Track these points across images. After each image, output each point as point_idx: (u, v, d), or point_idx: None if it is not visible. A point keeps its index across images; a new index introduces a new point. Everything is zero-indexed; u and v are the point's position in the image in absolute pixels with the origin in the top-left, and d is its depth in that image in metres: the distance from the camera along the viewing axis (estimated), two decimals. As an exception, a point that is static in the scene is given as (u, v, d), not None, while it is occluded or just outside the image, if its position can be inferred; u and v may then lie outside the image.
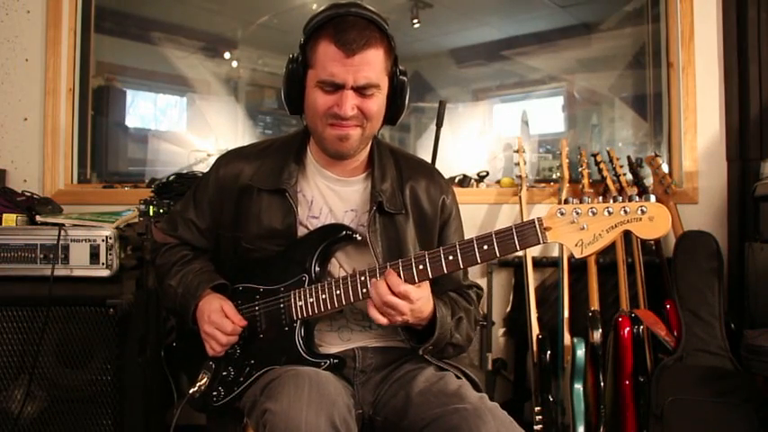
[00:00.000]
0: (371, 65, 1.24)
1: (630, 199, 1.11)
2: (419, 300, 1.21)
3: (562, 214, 1.13)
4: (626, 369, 2.12)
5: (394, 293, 1.18)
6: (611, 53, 2.99)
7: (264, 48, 3.22)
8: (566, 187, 2.40)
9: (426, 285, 1.24)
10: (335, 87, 1.24)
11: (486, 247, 1.18)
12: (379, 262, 1.30)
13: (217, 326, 1.30)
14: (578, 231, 1.12)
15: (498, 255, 1.18)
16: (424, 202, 1.40)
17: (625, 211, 1.10)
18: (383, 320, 1.21)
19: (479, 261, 1.20)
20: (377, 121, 1.32)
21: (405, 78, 1.33)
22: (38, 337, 1.75)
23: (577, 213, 1.12)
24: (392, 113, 1.35)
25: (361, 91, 1.25)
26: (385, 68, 1.28)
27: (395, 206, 1.35)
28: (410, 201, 1.38)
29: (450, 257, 1.20)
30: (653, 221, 1.08)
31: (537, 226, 1.14)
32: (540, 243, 1.15)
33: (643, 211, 1.09)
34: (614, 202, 1.12)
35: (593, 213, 1.12)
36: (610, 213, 1.11)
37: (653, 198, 1.11)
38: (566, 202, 1.14)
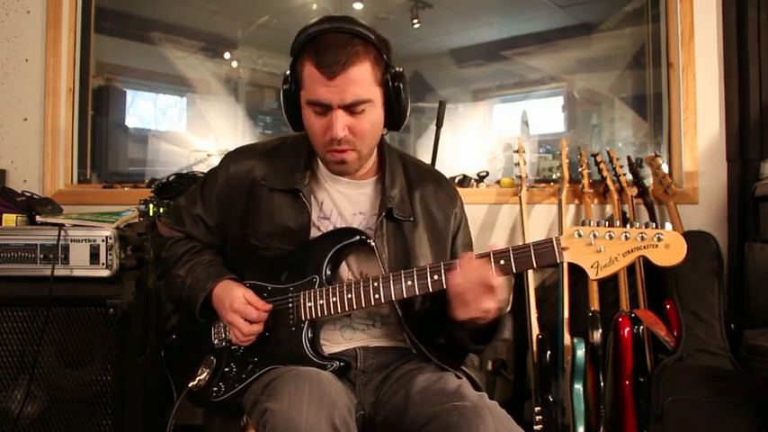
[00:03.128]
0: (356, 82, 1.22)
1: (647, 225, 1.14)
2: (502, 300, 1.21)
3: (579, 236, 1.16)
4: (626, 369, 2.12)
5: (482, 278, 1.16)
6: (611, 53, 2.99)
7: (264, 48, 3.22)
8: (566, 187, 2.39)
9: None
10: (324, 108, 1.24)
11: (502, 262, 1.19)
12: (383, 268, 1.30)
13: (241, 314, 1.30)
14: (595, 253, 1.15)
15: (514, 270, 1.19)
16: (435, 210, 1.40)
17: (642, 237, 1.13)
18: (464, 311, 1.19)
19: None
20: (371, 137, 1.30)
21: (400, 84, 1.29)
22: (38, 337, 1.75)
23: (595, 236, 1.15)
24: (393, 120, 1.34)
25: (350, 109, 1.24)
26: (374, 80, 1.26)
27: (404, 213, 1.35)
28: (419, 208, 1.38)
29: None
30: (669, 249, 1.12)
31: (555, 246, 1.16)
32: (557, 262, 1.16)
33: (659, 239, 1.12)
34: (632, 227, 1.14)
35: (611, 237, 1.15)
36: (627, 238, 1.14)
37: (668, 226, 1.14)
38: (583, 223, 1.17)
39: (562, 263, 1.16)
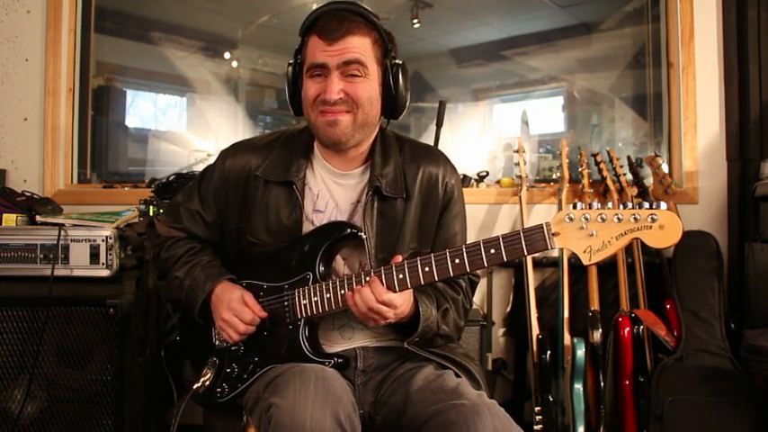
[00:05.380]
0: (354, 48, 1.26)
1: (640, 206, 1.09)
2: (402, 304, 1.24)
3: (571, 219, 1.12)
4: (626, 369, 2.12)
5: (378, 301, 1.20)
6: (611, 53, 2.99)
7: (264, 48, 3.22)
8: (566, 187, 2.40)
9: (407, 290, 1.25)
10: (321, 70, 1.27)
11: (493, 250, 1.17)
12: (371, 258, 1.31)
13: (236, 313, 1.31)
14: (587, 238, 1.11)
15: (505, 259, 1.17)
16: (427, 184, 1.38)
17: (635, 219, 1.08)
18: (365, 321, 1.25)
19: (486, 265, 1.19)
20: (369, 107, 1.30)
21: (399, 72, 1.32)
22: (38, 337, 1.75)
23: (586, 219, 1.11)
24: (389, 105, 1.34)
25: (346, 71, 1.26)
26: (373, 56, 1.29)
27: (395, 190, 1.34)
28: (412, 185, 1.37)
29: (457, 260, 1.19)
30: (663, 230, 1.07)
31: (545, 231, 1.13)
32: (548, 248, 1.14)
33: (653, 219, 1.07)
34: (624, 208, 1.09)
35: (603, 220, 1.10)
36: (619, 220, 1.09)
37: (663, 205, 1.08)
38: (574, 207, 1.12)
39: (556, 249, 1.12)
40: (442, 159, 1.44)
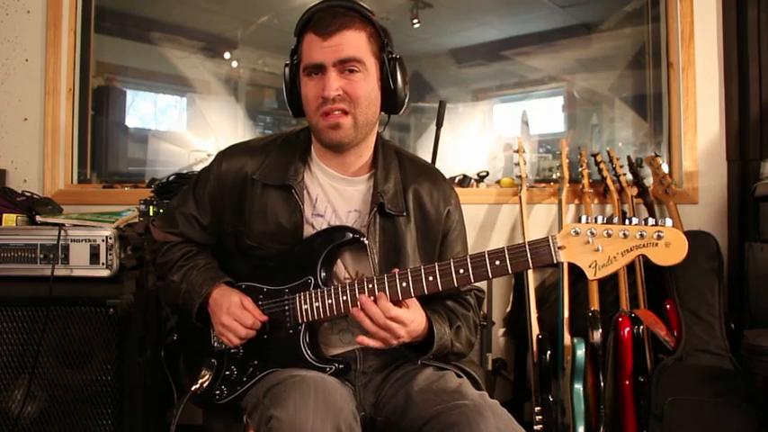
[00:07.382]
0: (350, 43, 1.26)
1: (646, 221, 1.09)
2: (413, 322, 1.22)
3: (576, 234, 1.11)
4: (626, 369, 2.12)
5: (387, 317, 1.19)
6: (611, 53, 2.99)
7: (264, 48, 3.22)
8: (566, 187, 2.40)
9: (416, 304, 1.24)
10: (318, 69, 1.27)
11: (498, 262, 1.16)
12: (374, 264, 1.30)
13: (236, 317, 1.30)
14: (593, 253, 1.10)
15: (510, 271, 1.16)
16: (428, 207, 1.39)
17: (641, 235, 1.08)
18: (377, 344, 1.22)
19: (491, 276, 1.18)
20: (367, 105, 1.30)
21: (397, 66, 1.32)
22: (38, 337, 1.75)
23: (592, 234, 1.10)
24: (389, 99, 1.34)
25: (343, 68, 1.26)
26: (370, 51, 1.29)
27: (396, 208, 1.34)
28: (413, 204, 1.37)
29: (461, 271, 1.18)
30: (669, 247, 1.07)
31: (551, 244, 1.13)
32: (553, 262, 1.13)
33: (659, 237, 1.07)
34: (630, 223, 1.09)
35: (609, 235, 1.10)
36: (625, 236, 1.09)
37: (669, 222, 1.09)
38: (579, 220, 1.12)
39: (560, 263, 1.12)
40: (440, 179, 1.44)
